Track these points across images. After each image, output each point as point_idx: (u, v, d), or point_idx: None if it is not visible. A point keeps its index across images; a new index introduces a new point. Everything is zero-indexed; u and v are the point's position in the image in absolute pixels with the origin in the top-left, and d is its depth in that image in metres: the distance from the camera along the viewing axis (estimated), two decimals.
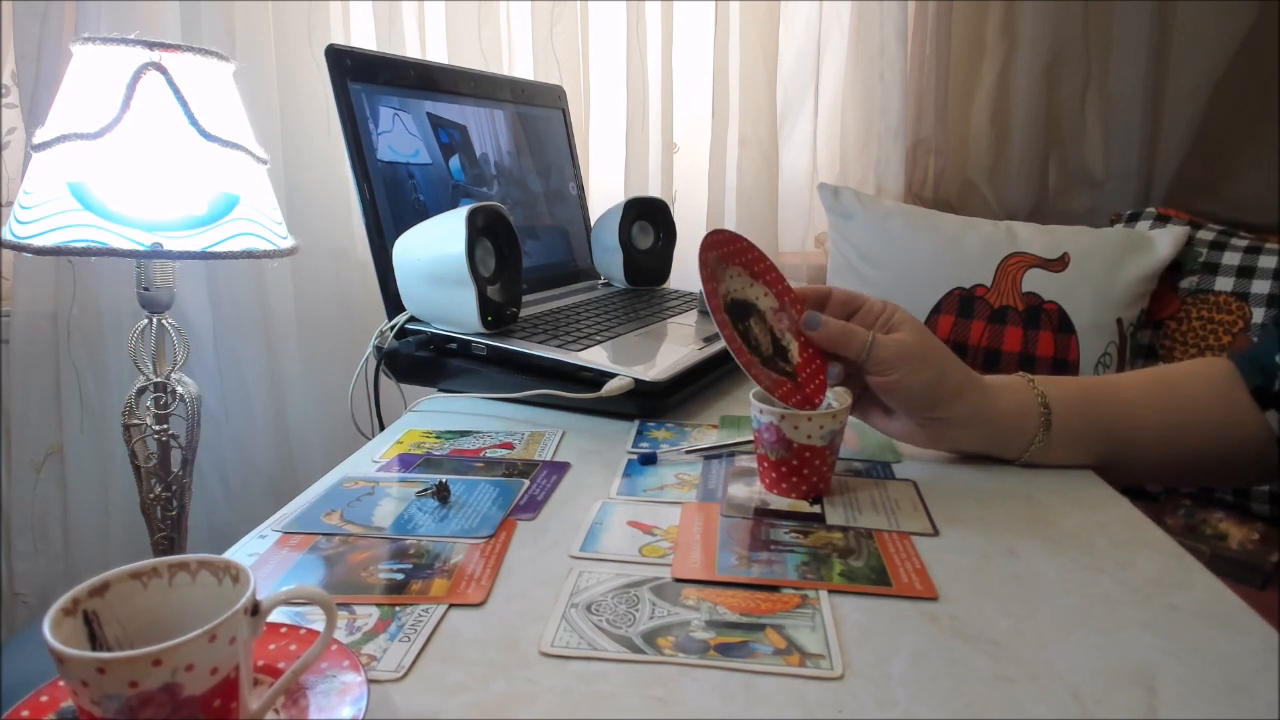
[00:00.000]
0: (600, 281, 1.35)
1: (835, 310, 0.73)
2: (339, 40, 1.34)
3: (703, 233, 1.65)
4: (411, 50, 1.59)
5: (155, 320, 1.31)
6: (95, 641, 0.37)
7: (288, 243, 1.27)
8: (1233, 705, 0.43)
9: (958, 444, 0.74)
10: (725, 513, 0.66)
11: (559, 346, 0.92)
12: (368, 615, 0.51)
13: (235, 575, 0.39)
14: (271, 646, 0.44)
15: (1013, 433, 0.72)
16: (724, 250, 0.70)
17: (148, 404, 1.33)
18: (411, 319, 0.98)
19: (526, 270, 1.00)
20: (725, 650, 0.47)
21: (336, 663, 0.42)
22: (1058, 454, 0.72)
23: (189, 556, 0.40)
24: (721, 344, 0.79)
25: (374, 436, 0.87)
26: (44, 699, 0.39)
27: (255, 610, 0.38)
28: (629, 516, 0.65)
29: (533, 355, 0.92)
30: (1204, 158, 1.62)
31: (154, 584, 0.39)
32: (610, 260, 1.30)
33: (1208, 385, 0.75)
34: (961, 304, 1.51)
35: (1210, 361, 0.77)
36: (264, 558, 0.59)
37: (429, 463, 0.77)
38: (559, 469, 0.76)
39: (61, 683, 0.39)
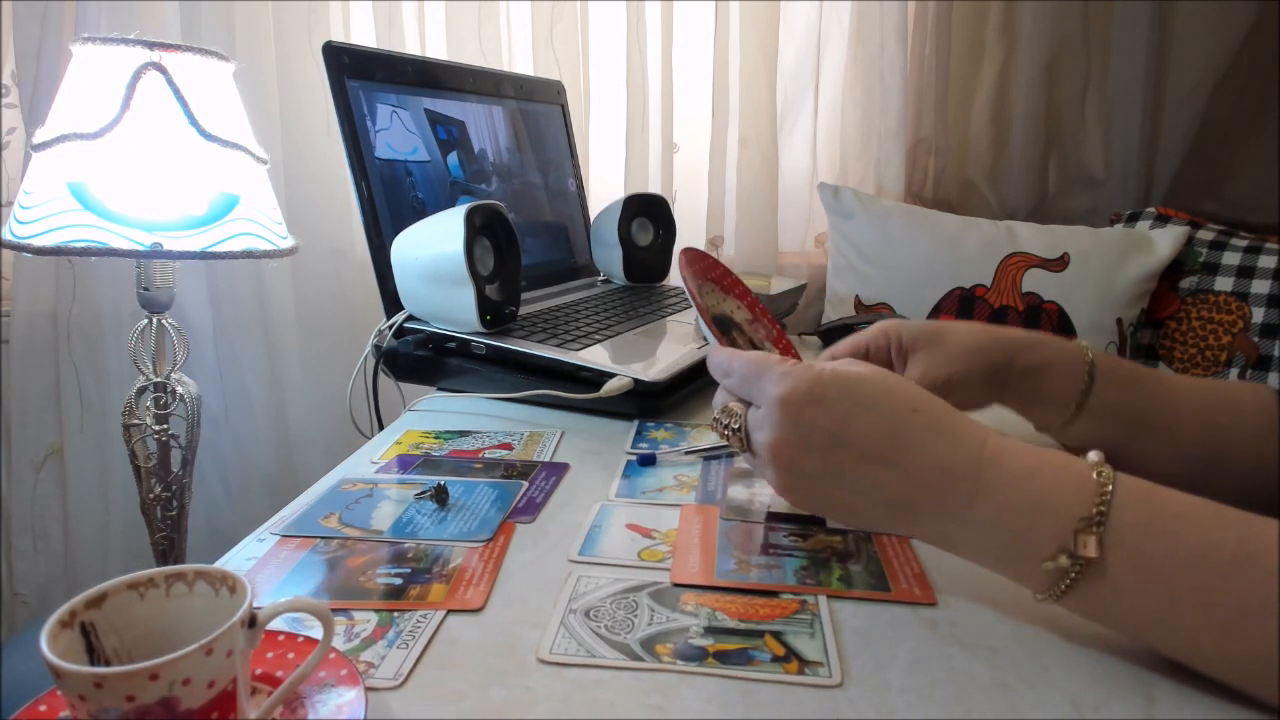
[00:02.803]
0: (599, 278, 1.36)
1: (874, 358, 0.72)
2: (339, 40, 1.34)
3: (703, 232, 1.64)
4: (411, 50, 1.58)
5: (155, 320, 1.31)
6: (93, 653, 0.37)
7: (288, 243, 1.27)
8: (1231, 715, 0.43)
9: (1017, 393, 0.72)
10: (724, 515, 0.66)
11: (558, 345, 0.92)
12: (366, 621, 0.51)
13: (232, 586, 0.39)
14: (269, 655, 0.44)
15: (1056, 389, 0.70)
16: (698, 268, 0.70)
17: (148, 404, 1.33)
18: (410, 318, 0.99)
19: (525, 267, 1.00)
20: (724, 658, 0.47)
21: (334, 671, 0.42)
22: (1086, 426, 0.70)
23: (186, 567, 0.40)
24: None
25: (373, 436, 0.87)
26: (43, 709, 0.39)
27: (252, 622, 0.38)
28: (628, 519, 0.66)
29: (532, 355, 0.92)
30: (1204, 158, 1.62)
31: (151, 595, 0.39)
32: (609, 257, 1.30)
33: (1255, 396, 0.72)
34: (961, 304, 1.50)
35: (1259, 385, 0.76)
36: (262, 561, 0.59)
37: (428, 463, 0.77)
38: (558, 470, 0.76)
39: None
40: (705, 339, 0.68)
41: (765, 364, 0.53)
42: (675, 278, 1.36)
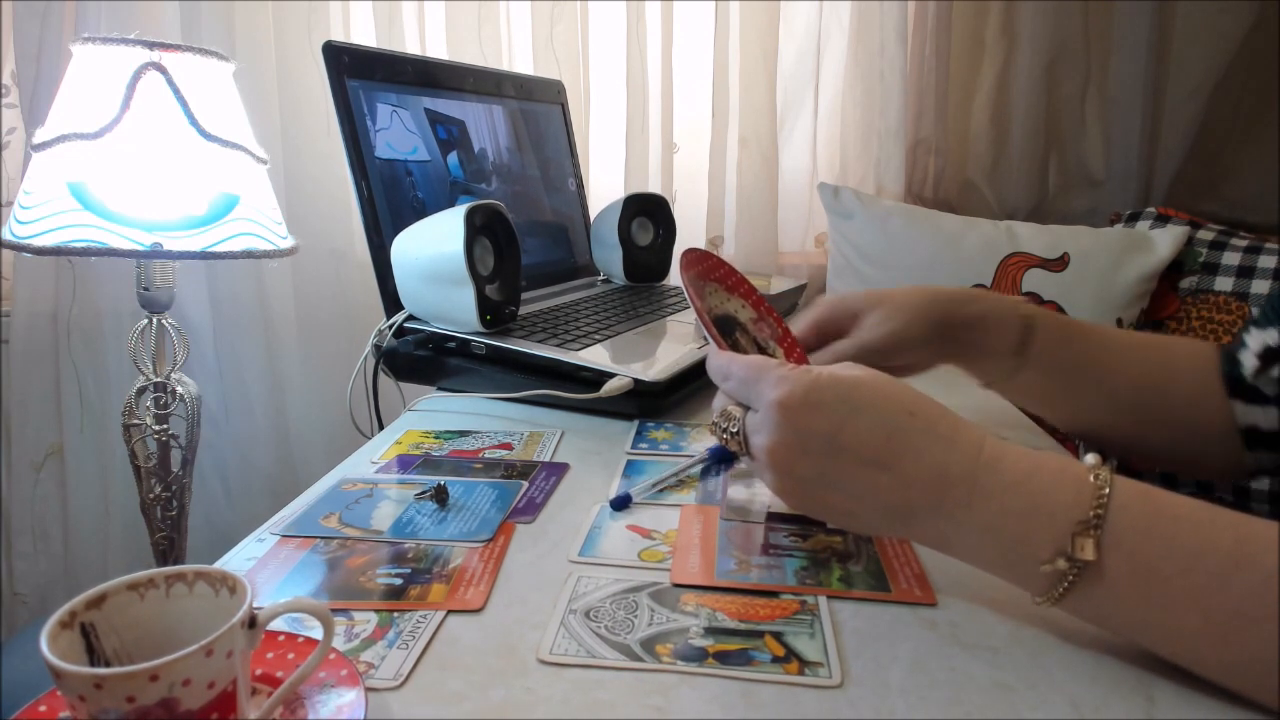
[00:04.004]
0: (599, 278, 1.35)
1: (829, 329, 0.76)
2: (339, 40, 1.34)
3: (703, 231, 1.64)
4: (411, 50, 1.58)
5: (155, 320, 1.31)
6: (93, 654, 0.37)
7: (288, 243, 1.27)
8: (1231, 716, 0.43)
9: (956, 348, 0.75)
10: (725, 516, 0.66)
11: (558, 345, 0.92)
12: (366, 622, 0.50)
13: (232, 586, 0.39)
14: (270, 655, 0.44)
15: (995, 341, 0.74)
16: (700, 269, 0.70)
17: (148, 404, 1.33)
18: (410, 317, 0.99)
19: (525, 267, 1.00)
20: (724, 658, 0.47)
21: (334, 672, 0.42)
22: (1028, 378, 0.74)
23: (186, 567, 0.40)
24: None
25: (373, 436, 0.87)
26: (43, 709, 0.39)
27: (252, 623, 0.38)
28: (628, 519, 0.66)
29: (532, 355, 0.91)
30: (1204, 158, 1.62)
31: (151, 595, 0.39)
32: (610, 257, 1.30)
33: (1191, 357, 0.76)
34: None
35: (1201, 343, 0.79)
36: (262, 561, 0.59)
37: (428, 463, 0.77)
38: (558, 470, 0.76)
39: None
40: (706, 340, 0.68)
41: (763, 368, 0.54)
42: (676, 277, 1.36)
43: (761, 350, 0.70)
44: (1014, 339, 0.73)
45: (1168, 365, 0.75)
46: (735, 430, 0.55)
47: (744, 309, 0.71)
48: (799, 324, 0.76)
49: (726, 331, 0.67)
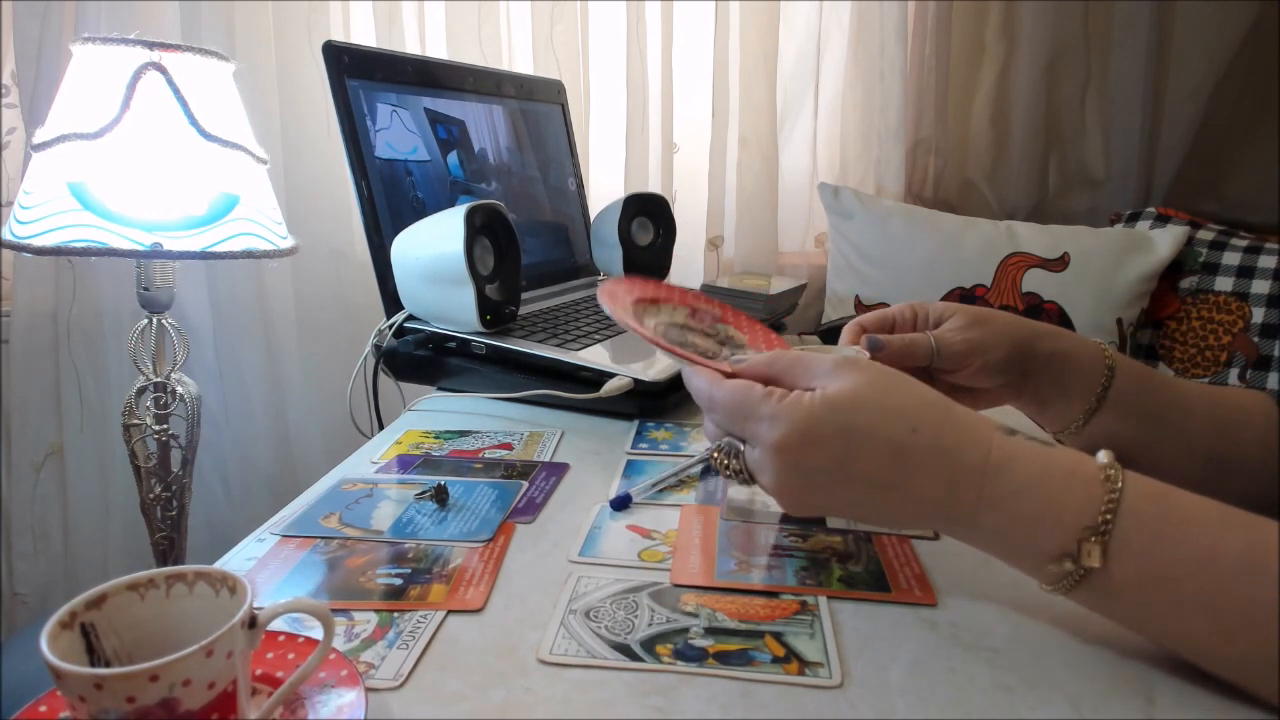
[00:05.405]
0: (599, 278, 1.35)
1: (905, 329, 0.71)
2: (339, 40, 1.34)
3: (703, 232, 1.63)
4: (411, 50, 1.58)
5: (155, 320, 1.31)
6: (93, 654, 0.37)
7: (288, 243, 1.27)
8: (1231, 715, 0.43)
9: (1037, 392, 0.71)
10: (725, 516, 0.66)
11: (558, 345, 0.92)
12: (366, 622, 0.51)
13: (232, 587, 0.39)
14: (270, 655, 0.44)
15: (1078, 380, 0.69)
16: (623, 303, 0.67)
17: (148, 404, 1.33)
18: (410, 317, 0.99)
19: (525, 266, 1.00)
20: (724, 658, 0.47)
21: (334, 672, 0.42)
22: (1104, 424, 0.70)
23: (186, 568, 0.40)
24: None
25: (373, 436, 0.87)
26: (43, 709, 0.39)
27: (252, 623, 0.38)
28: (628, 520, 0.66)
29: (532, 354, 0.92)
30: (1204, 158, 1.62)
31: (151, 595, 0.39)
32: (610, 256, 1.30)
33: (1256, 403, 0.72)
34: (961, 304, 1.50)
35: (1262, 393, 0.75)
36: (262, 561, 0.59)
37: (428, 463, 0.77)
38: (558, 470, 0.76)
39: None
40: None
41: (748, 401, 0.52)
42: (675, 277, 1.35)
43: (713, 337, 0.70)
44: (1097, 381, 0.69)
45: (1242, 412, 0.72)
46: (739, 468, 0.54)
47: (676, 311, 0.71)
48: (869, 316, 0.71)
49: (679, 341, 0.66)
